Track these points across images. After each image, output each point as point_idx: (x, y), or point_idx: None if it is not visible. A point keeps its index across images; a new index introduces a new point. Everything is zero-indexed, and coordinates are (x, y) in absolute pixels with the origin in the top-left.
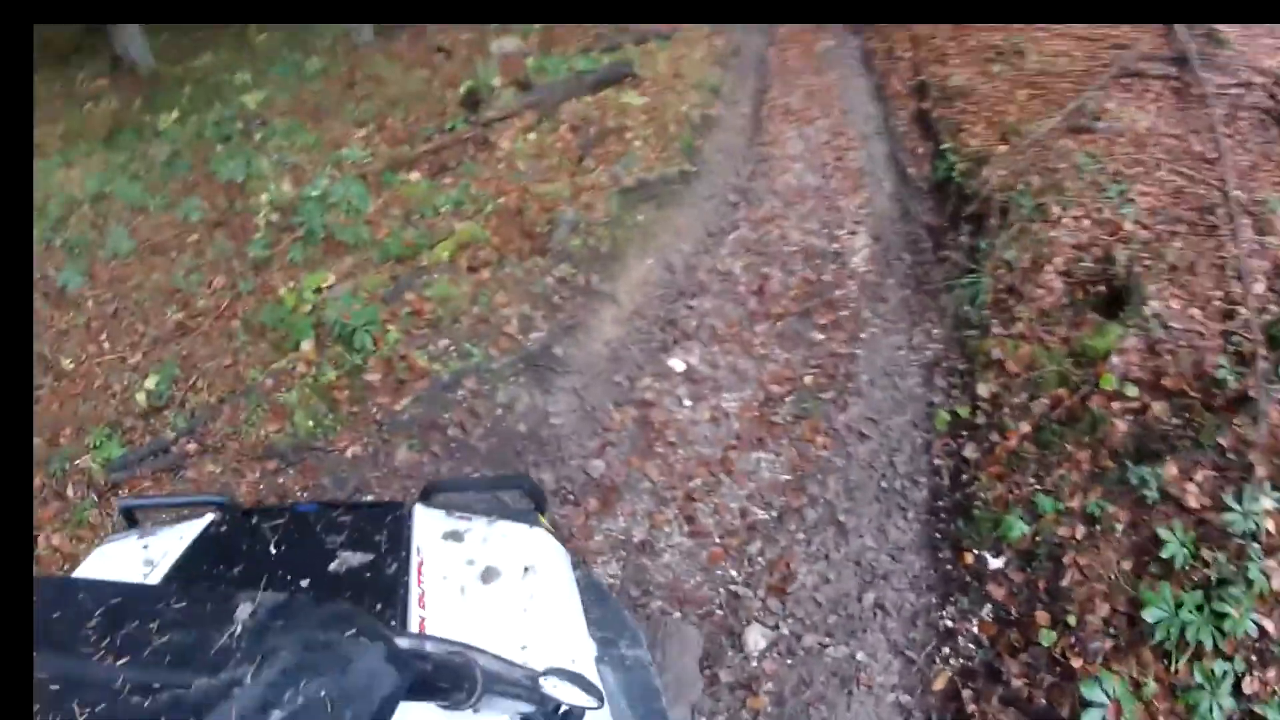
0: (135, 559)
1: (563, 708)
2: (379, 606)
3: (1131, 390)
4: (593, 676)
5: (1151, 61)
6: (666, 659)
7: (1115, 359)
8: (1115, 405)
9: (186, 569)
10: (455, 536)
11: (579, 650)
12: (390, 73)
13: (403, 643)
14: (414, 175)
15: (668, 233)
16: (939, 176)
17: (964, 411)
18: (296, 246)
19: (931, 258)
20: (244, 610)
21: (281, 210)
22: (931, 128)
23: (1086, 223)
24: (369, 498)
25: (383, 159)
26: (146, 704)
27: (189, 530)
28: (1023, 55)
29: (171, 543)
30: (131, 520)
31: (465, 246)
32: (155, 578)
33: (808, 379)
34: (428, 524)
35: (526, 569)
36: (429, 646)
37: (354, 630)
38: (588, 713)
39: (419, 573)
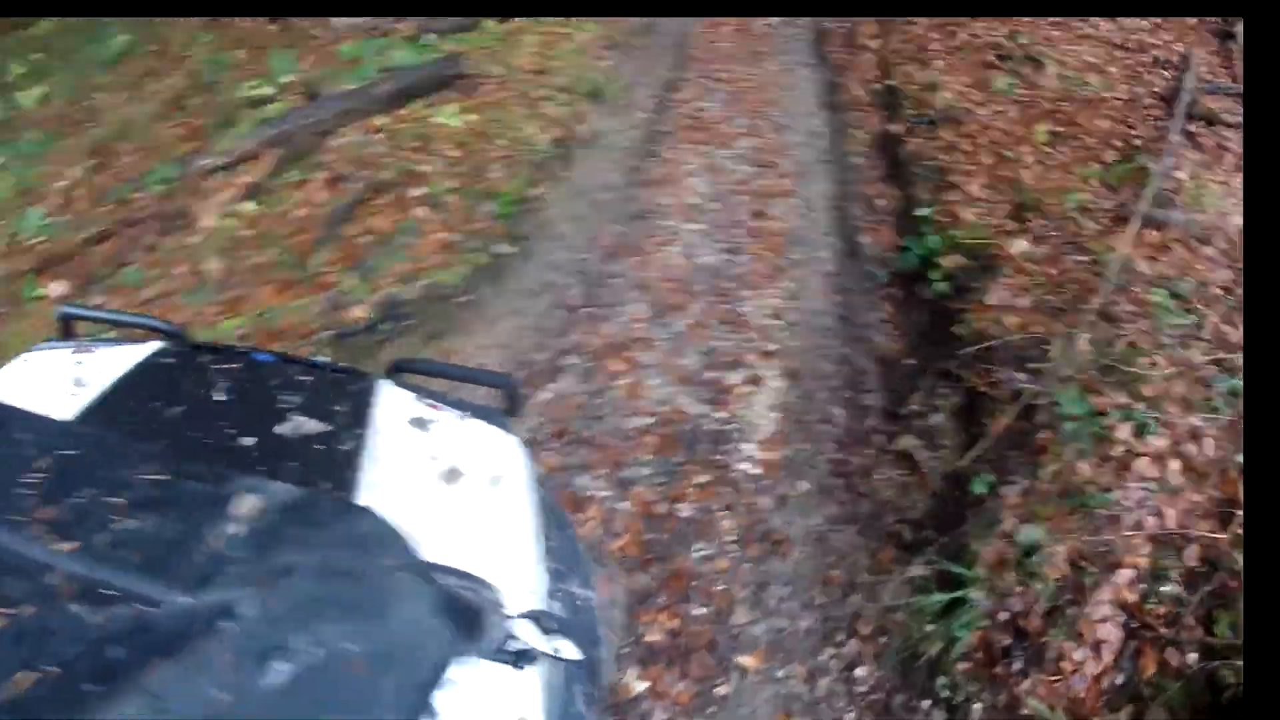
0: (64, 375)
1: (511, 646)
2: (327, 486)
3: None
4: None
5: (1223, 98)
6: None
7: None
8: None
9: (120, 397)
10: (421, 424)
11: (533, 581)
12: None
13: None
14: (53, 288)
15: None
16: (907, 265)
17: None
18: None
19: (879, 451)
20: (245, 504)
21: None
22: (901, 167)
23: (1185, 476)
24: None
25: (62, 238)
26: (96, 617)
27: (131, 354)
28: (1039, 66)
29: (109, 364)
30: (69, 332)
31: None
32: (83, 401)
33: None
34: (393, 404)
35: (494, 479)
36: (453, 582)
37: (394, 560)
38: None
39: (374, 456)
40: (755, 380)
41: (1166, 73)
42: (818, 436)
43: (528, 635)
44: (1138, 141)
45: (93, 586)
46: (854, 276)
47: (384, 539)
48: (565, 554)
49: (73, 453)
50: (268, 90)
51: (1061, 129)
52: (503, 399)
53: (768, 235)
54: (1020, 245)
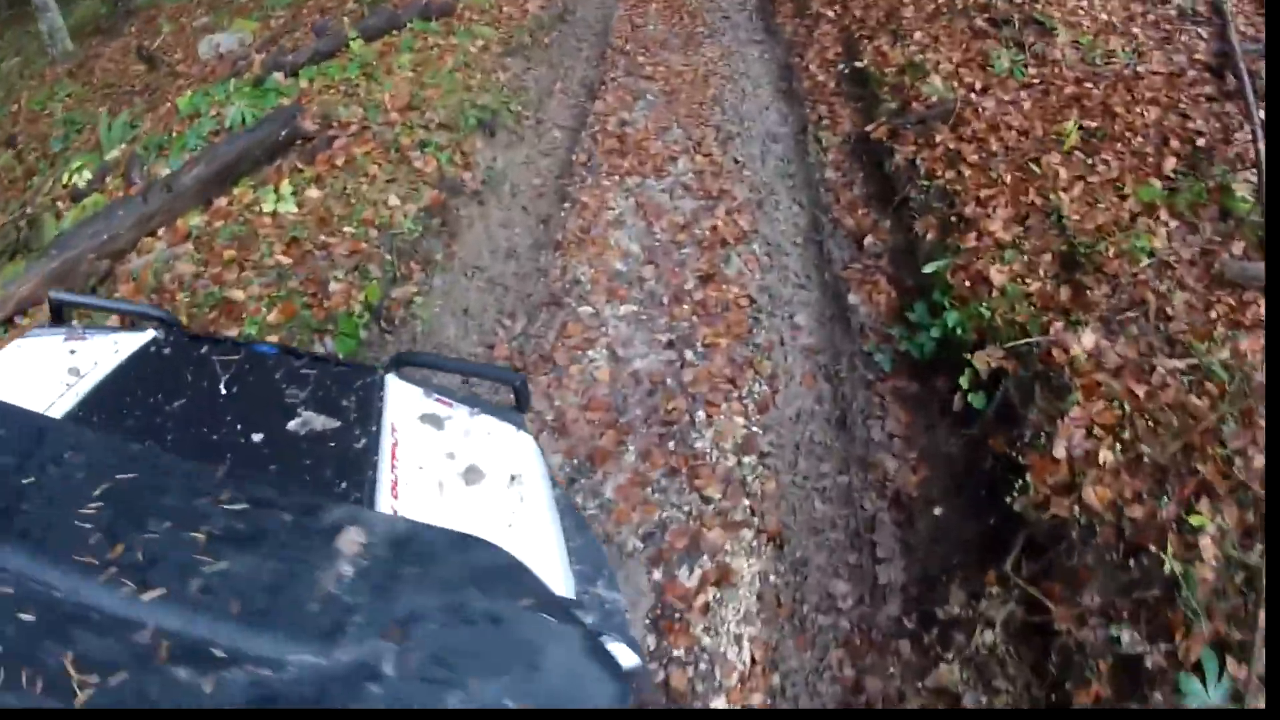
0: (58, 364)
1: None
2: (343, 486)
3: None
4: None
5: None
6: None
7: None
8: None
9: (118, 390)
10: (434, 422)
11: (561, 584)
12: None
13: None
14: None
15: None
16: (921, 349)
17: None
18: None
19: (907, 675)
20: (349, 538)
21: None
22: (890, 185)
23: None
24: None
25: None
26: (206, 685)
27: (125, 343)
28: (1046, 32)
29: (103, 353)
30: (59, 317)
31: None
32: (79, 393)
33: None
34: (402, 399)
35: (513, 478)
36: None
37: (528, 598)
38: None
39: (393, 455)
40: (722, 576)
41: (1200, 30)
42: (817, 641)
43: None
44: (1200, 139)
45: (194, 645)
46: (846, 358)
47: (510, 574)
48: (588, 556)
49: (128, 475)
50: (87, 175)
51: (1095, 123)
52: (512, 397)
53: (723, 310)
54: (1086, 340)
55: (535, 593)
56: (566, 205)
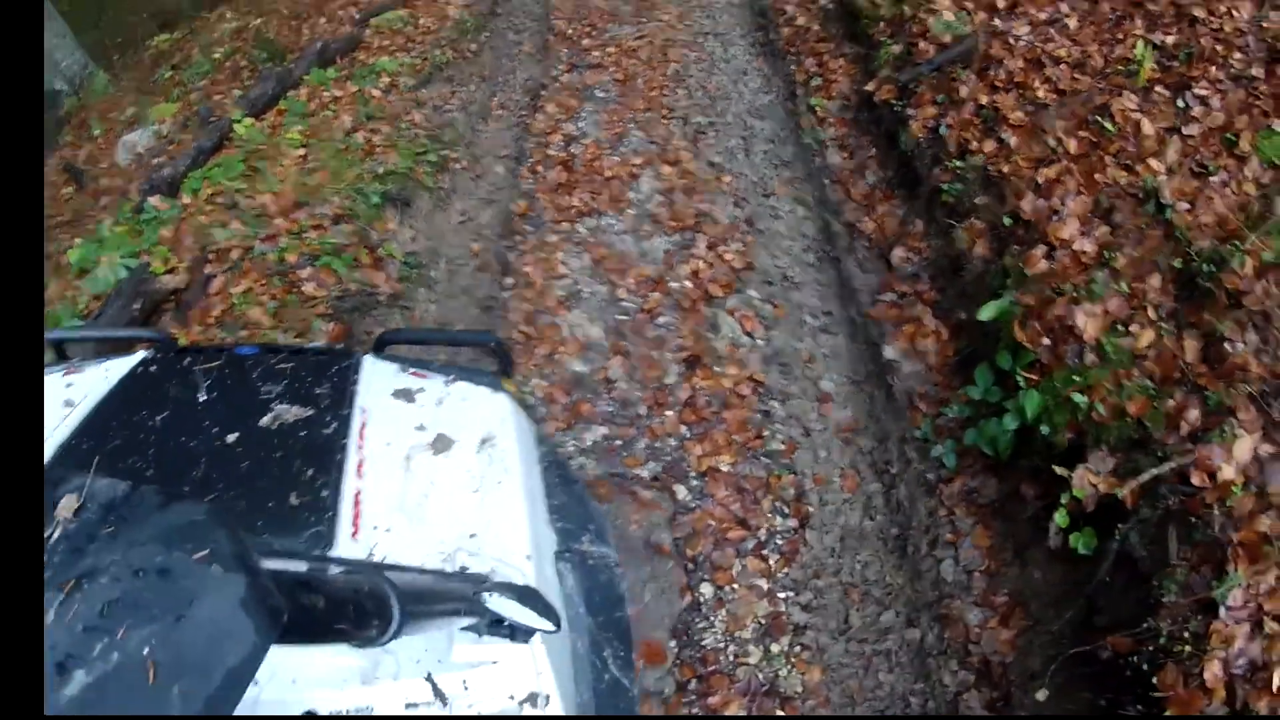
0: (55, 398)
1: (507, 620)
2: (310, 472)
3: None
4: (549, 580)
5: None
6: None
7: None
8: None
9: (109, 413)
10: (406, 396)
11: (537, 544)
12: None
13: (288, 567)
14: None
15: None
16: (993, 441)
17: None
18: None
19: None
20: (66, 504)
21: None
22: (910, 168)
23: None
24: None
25: None
26: None
27: (117, 368)
28: None
29: (96, 381)
30: (61, 354)
31: None
32: (73, 422)
33: None
34: (377, 379)
35: (484, 440)
36: (331, 571)
37: (205, 550)
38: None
39: (360, 435)
40: None
41: None
42: None
43: (502, 608)
44: None
45: None
46: (896, 444)
47: (199, 529)
48: (573, 511)
49: None
50: None
51: (1170, 36)
52: (492, 358)
53: (720, 409)
54: (1240, 451)
55: (215, 544)
56: (508, 282)
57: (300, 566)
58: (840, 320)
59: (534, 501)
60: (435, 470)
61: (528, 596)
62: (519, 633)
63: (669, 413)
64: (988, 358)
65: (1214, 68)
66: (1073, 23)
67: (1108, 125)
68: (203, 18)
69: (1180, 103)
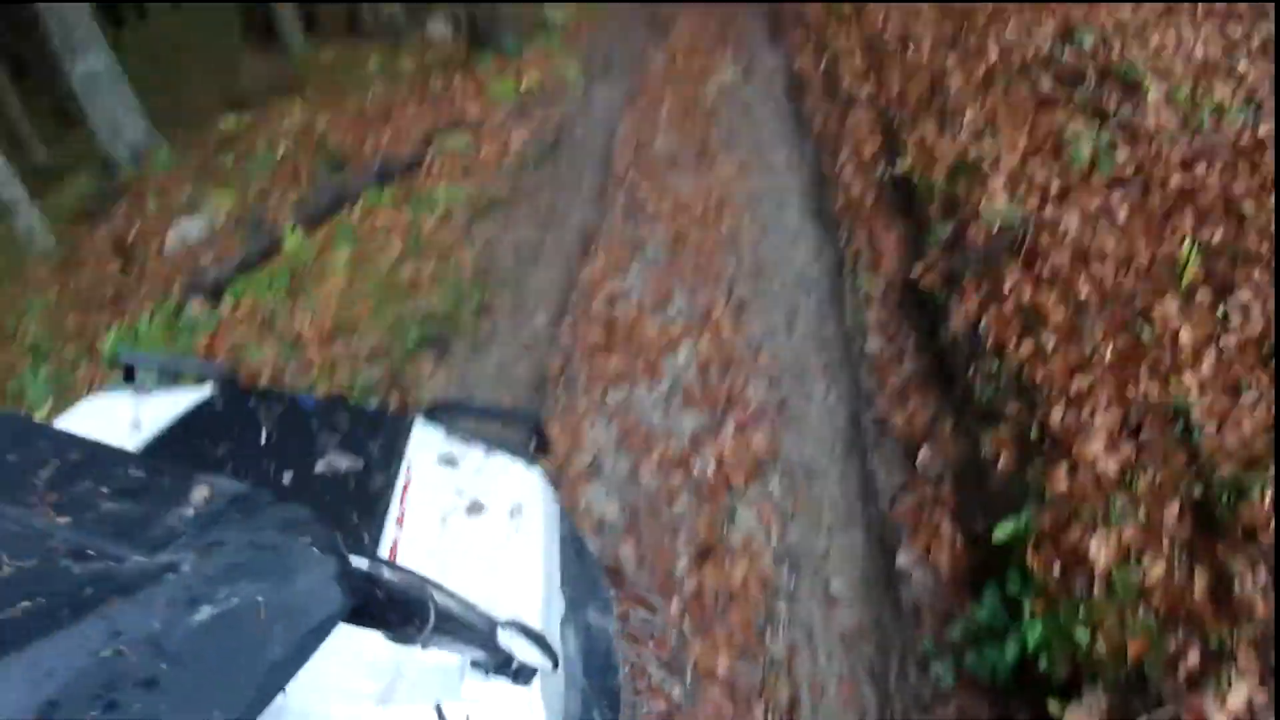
0: (123, 418)
1: (514, 662)
2: (355, 518)
3: None
4: (554, 637)
5: None
6: None
7: None
8: None
9: (172, 439)
10: (450, 461)
11: (548, 606)
12: None
13: (358, 563)
14: None
15: None
16: (996, 670)
17: None
18: None
19: None
20: (199, 494)
21: None
22: (947, 353)
23: None
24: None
25: None
26: (76, 570)
27: (184, 399)
28: (1131, 91)
29: (164, 408)
30: (129, 375)
31: None
32: (138, 443)
33: None
34: (425, 442)
35: (514, 509)
36: (386, 573)
37: (308, 539)
38: (539, 674)
39: (404, 491)
40: None
41: None
42: None
43: (513, 644)
44: None
45: (79, 548)
46: (898, 656)
47: (305, 522)
48: (584, 583)
49: (75, 457)
50: None
51: (1217, 233)
52: (530, 436)
53: (726, 605)
54: (1234, 701)
55: (315, 536)
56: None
57: (364, 563)
58: (858, 518)
59: (550, 569)
60: (467, 530)
61: (536, 638)
62: (521, 675)
63: (673, 606)
64: (999, 577)
65: (1258, 269)
66: (1123, 213)
67: (1146, 333)
68: (274, 103)
69: (1221, 309)
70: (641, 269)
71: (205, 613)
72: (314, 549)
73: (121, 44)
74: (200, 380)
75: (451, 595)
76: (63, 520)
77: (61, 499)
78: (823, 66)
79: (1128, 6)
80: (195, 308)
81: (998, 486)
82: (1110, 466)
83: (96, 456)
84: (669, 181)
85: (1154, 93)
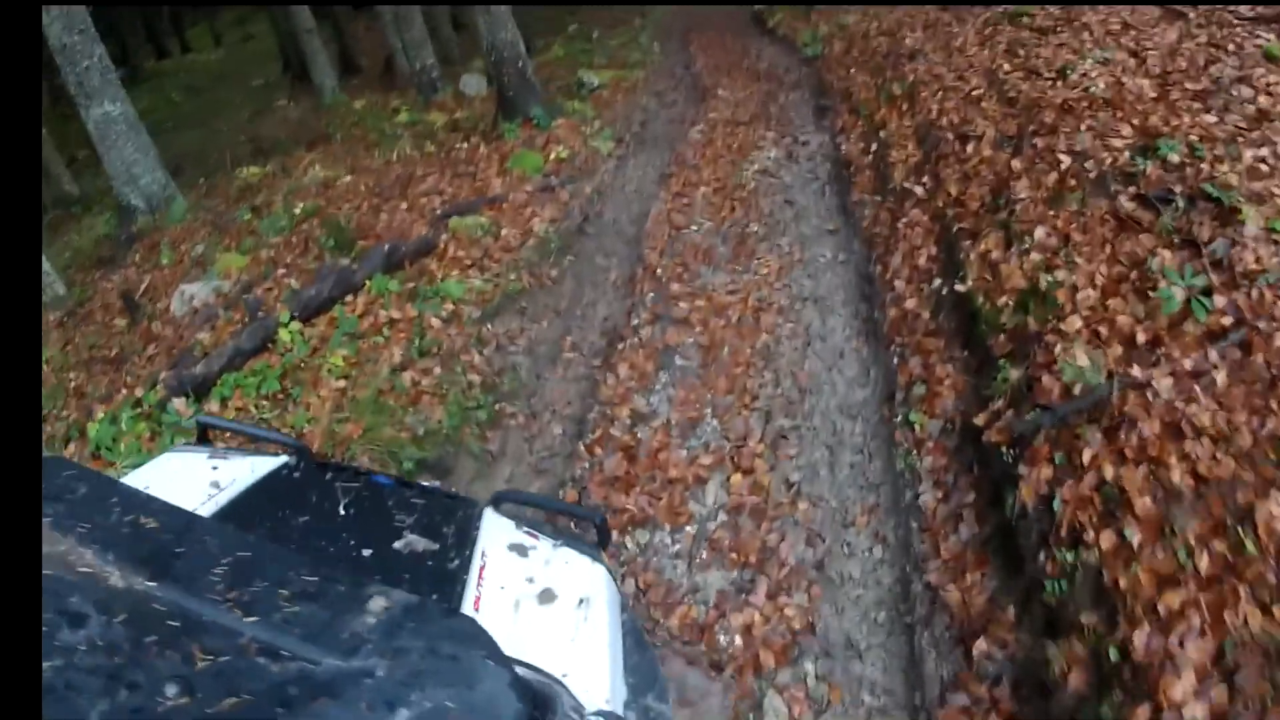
0: (202, 477)
1: None
2: (435, 598)
3: None
4: None
5: None
6: None
7: None
8: None
9: (253, 504)
10: (520, 550)
11: (614, 693)
12: None
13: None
14: None
15: None
16: None
17: None
18: None
19: None
20: (377, 603)
21: None
22: (1013, 529)
23: None
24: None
25: None
26: (274, 669)
27: (261, 465)
28: (1228, 216)
29: (241, 472)
30: (204, 437)
31: None
32: (219, 502)
33: None
34: (495, 530)
35: (582, 600)
36: (526, 673)
37: (482, 651)
38: None
39: (480, 575)
40: None
41: None
42: None
43: None
44: None
45: (270, 647)
46: None
47: (476, 636)
48: (643, 671)
49: (245, 553)
50: None
51: None
52: (592, 532)
53: None
54: None
55: (486, 646)
56: None
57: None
58: (903, 711)
59: (615, 657)
60: (539, 617)
61: None
62: None
63: None
64: None
65: None
66: (1221, 377)
67: (1249, 540)
68: (296, 155)
69: None
70: (669, 383)
71: (403, 716)
72: (488, 660)
73: (162, 72)
74: (274, 450)
75: (567, 689)
76: (250, 620)
77: (243, 597)
78: (871, 154)
79: (1212, 114)
80: (179, 409)
81: (1065, 711)
82: (1199, 715)
83: (265, 556)
84: (703, 278)
85: (1251, 223)
